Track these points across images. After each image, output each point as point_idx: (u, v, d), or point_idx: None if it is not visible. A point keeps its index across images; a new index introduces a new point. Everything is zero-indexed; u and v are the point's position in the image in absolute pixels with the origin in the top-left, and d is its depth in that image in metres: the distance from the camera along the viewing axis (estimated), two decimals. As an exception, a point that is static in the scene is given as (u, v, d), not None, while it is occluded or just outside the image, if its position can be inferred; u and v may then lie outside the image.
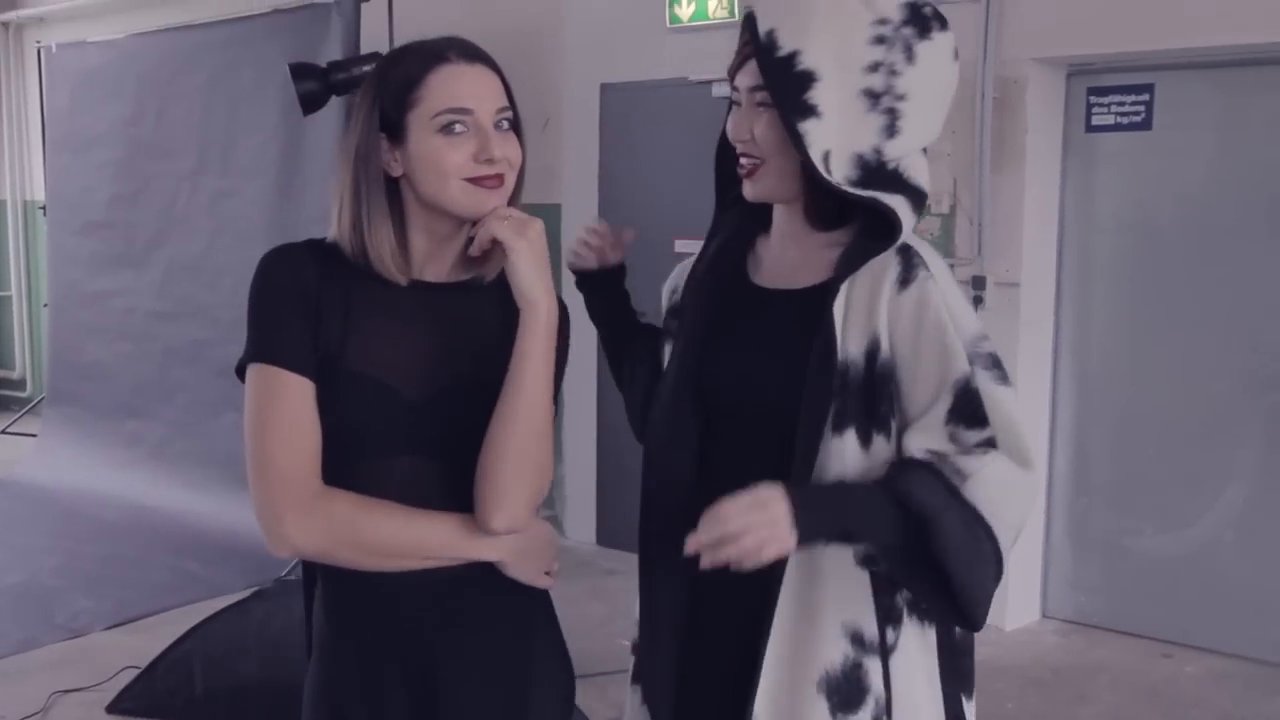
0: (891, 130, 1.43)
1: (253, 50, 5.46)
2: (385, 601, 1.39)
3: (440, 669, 1.40)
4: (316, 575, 1.45)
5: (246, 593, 3.62)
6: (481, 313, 1.42)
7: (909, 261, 1.44)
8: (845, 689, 1.42)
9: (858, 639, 1.43)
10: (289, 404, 1.33)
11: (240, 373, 1.39)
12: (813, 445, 1.41)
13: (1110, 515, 4.19)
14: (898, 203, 1.44)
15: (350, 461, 1.36)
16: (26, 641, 3.96)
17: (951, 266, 1.53)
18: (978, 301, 4.00)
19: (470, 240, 1.39)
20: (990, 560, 1.38)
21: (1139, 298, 4.11)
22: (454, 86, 1.35)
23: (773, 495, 1.32)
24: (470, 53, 1.38)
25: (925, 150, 1.50)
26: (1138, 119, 4.00)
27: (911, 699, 1.46)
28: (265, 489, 1.33)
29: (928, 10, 1.46)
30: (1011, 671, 3.78)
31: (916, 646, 1.47)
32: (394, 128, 1.36)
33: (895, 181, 1.45)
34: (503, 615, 1.43)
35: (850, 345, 1.42)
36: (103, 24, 6.67)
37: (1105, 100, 4.05)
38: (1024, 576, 4.21)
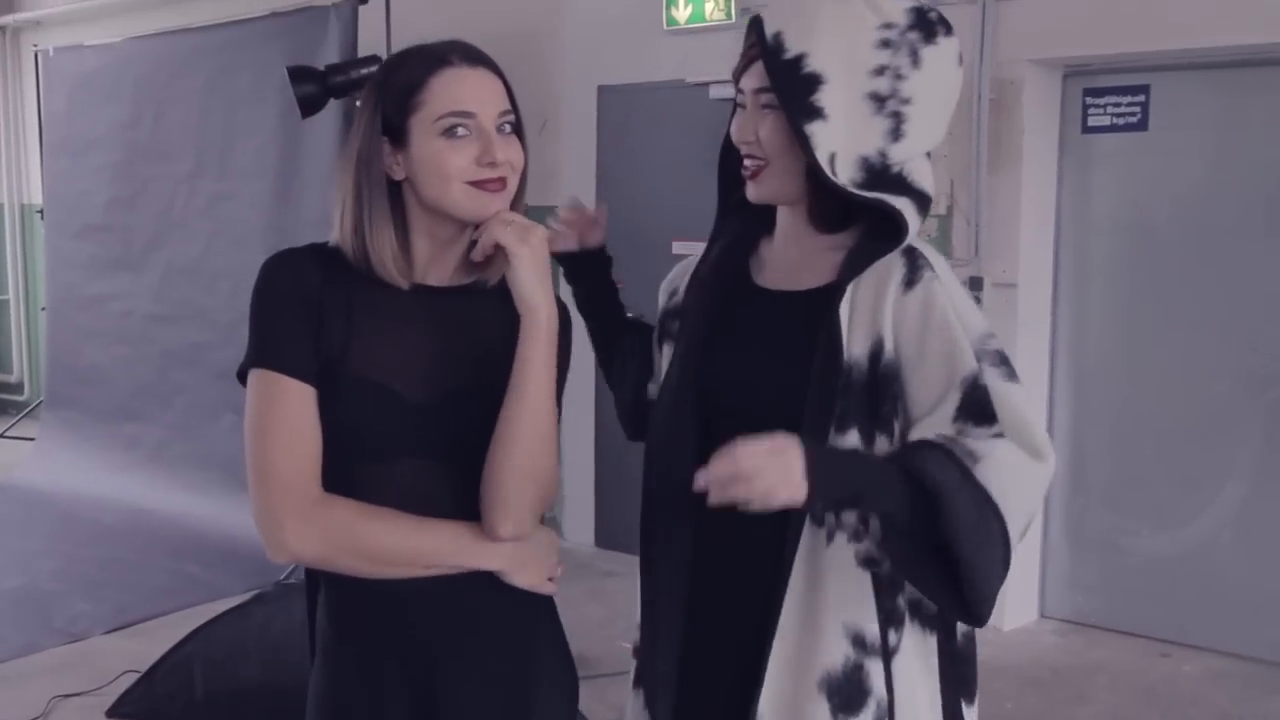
0: (896, 134, 1.44)
1: (250, 53, 5.46)
2: (388, 606, 1.38)
3: (443, 674, 1.40)
4: (319, 579, 1.45)
5: (246, 596, 3.62)
6: (483, 316, 1.42)
7: (914, 263, 1.45)
8: (846, 690, 1.43)
9: (859, 640, 1.43)
10: (289, 410, 1.33)
11: (241, 377, 1.39)
12: (818, 443, 1.41)
13: (1108, 515, 4.19)
14: (903, 205, 1.44)
15: (353, 465, 1.36)
16: (26, 646, 3.95)
17: (941, 256, 1.54)
18: (975, 302, 4.01)
19: (473, 244, 1.39)
20: (999, 545, 1.36)
21: (1136, 298, 4.12)
22: (456, 90, 1.35)
23: (789, 444, 1.31)
24: (472, 56, 1.38)
25: (929, 155, 1.50)
26: (1134, 120, 4.01)
27: (913, 703, 1.46)
28: (265, 495, 1.33)
29: (933, 15, 1.46)
30: (1010, 671, 3.78)
31: (918, 651, 1.47)
32: (396, 131, 1.36)
33: (900, 185, 1.46)
34: (505, 619, 1.43)
35: (854, 346, 1.43)
36: (100, 27, 6.66)
37: (1101, 101, 4.06)
38: (1022, 576, 4.21)
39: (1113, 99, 4.04)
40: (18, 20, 7.47)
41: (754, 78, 1.48)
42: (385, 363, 1.37)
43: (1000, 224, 4.05)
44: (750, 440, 1.30)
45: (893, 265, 1.44)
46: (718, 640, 1.52)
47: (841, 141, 1.43)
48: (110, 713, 3.38)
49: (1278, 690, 3.70)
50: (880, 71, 1.43)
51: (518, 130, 1.40)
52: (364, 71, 4.09)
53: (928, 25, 1.45)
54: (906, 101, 1.43)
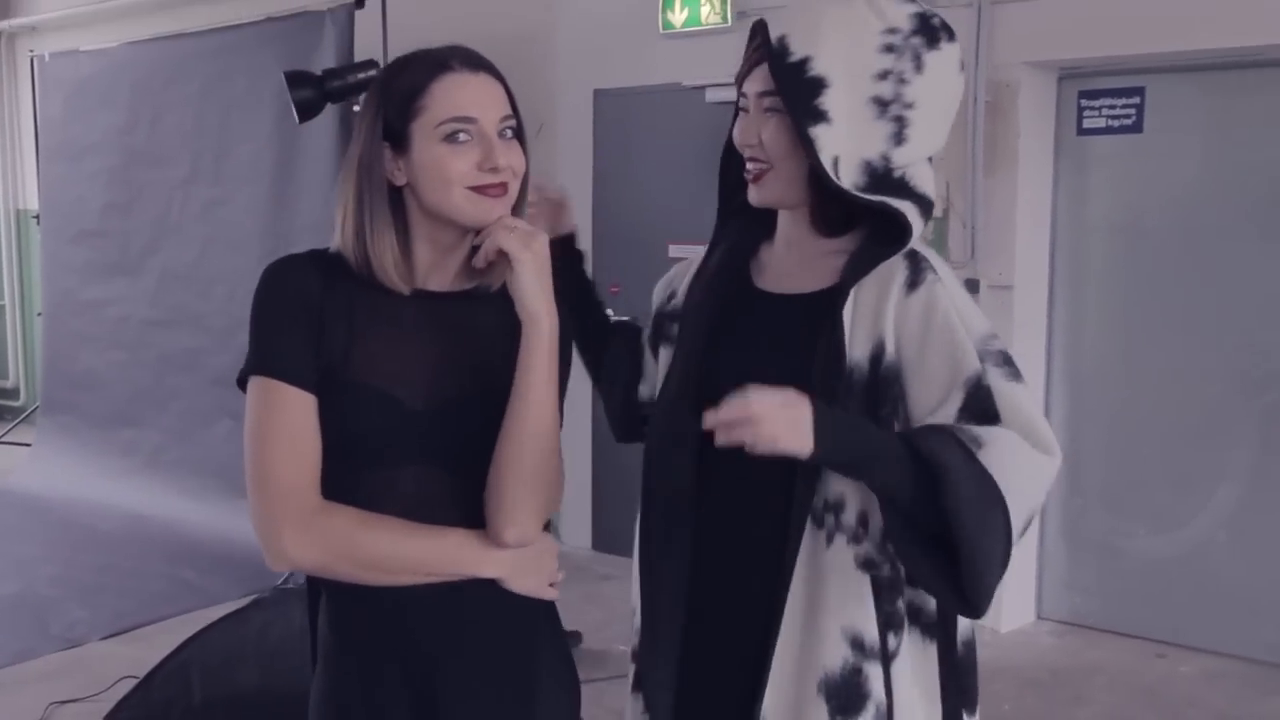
0: (899, 138, 1.45)
1: (246, 58, 5.47)
2: (389, 613, 1.38)
3: (445, 681, 1.39)
4: (320, 587, 1.45)
5: (243, 601, 3.62)
6: (484, 321, 1.42)
7: (916, 266, 1.45)
8: (844, 693, 1.43)
9: (857, 643, 1.43)
10: (289, 418, 1.33)
11: (241, 384, 1.38)
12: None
13: (1104, 516, 4.20)
14: (906, 208, 1.45)
15: (355, 472, 1.36)
16: (23, 652, 3.94)
17: (943, 260, 1.54)
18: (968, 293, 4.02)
19: (475, 250, 1.39)
20: (1000, 531, 1.35)
21: (1131, 299, 4.13)
22: (458, 95, 1.35)
23: (801, 399, 1.32)
24: (474, 61, 1.38)
25: (930, 160, 1.51)
26: (1129, 122, 4.02)
27: (912, 709, 1.46)
28: (264, 503, 1.33)
29: (936, 21, 1.47)
30: (1008, 673, 3.79)
31: (918, 658, 1.47)
32: (397, 137, 1.36)
33: (902, 189, 1.46)
34: (507, 627, 1.42)
35: (855, 348, 1.43)
36: (95, 33, 6.66)
37: (1096, 104, 4.07)
38: (1019, 578, 4.22)
39: (1108, 101, 4.05)
40: (13, 26, 7.47)
41: (757, 81, 1.48)
42: (386, 369, 1.37)
43: (996, 226, 4.06)
44: (763, 388, 1.31)
45: (895, 268, 1.45)
46: (718, 643, 1.52)
47: (845, 145, 1.43)
48: (108, 719, 3.37)
49: (1274, 691, 3.71)
50: (884, 76, 1.43)
51: (519, 135, 1.40)
52: (360, 76, 4.10)
53: (931, 31, 1.46)
54: (909, 106, 1.44)
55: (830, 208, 1.49)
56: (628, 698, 1.63)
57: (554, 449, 1.39)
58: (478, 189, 1.35)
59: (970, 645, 1.51)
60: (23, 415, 7.32)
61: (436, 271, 1.41)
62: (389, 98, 1.37)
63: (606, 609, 4.13)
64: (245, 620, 3.37)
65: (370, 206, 1.36)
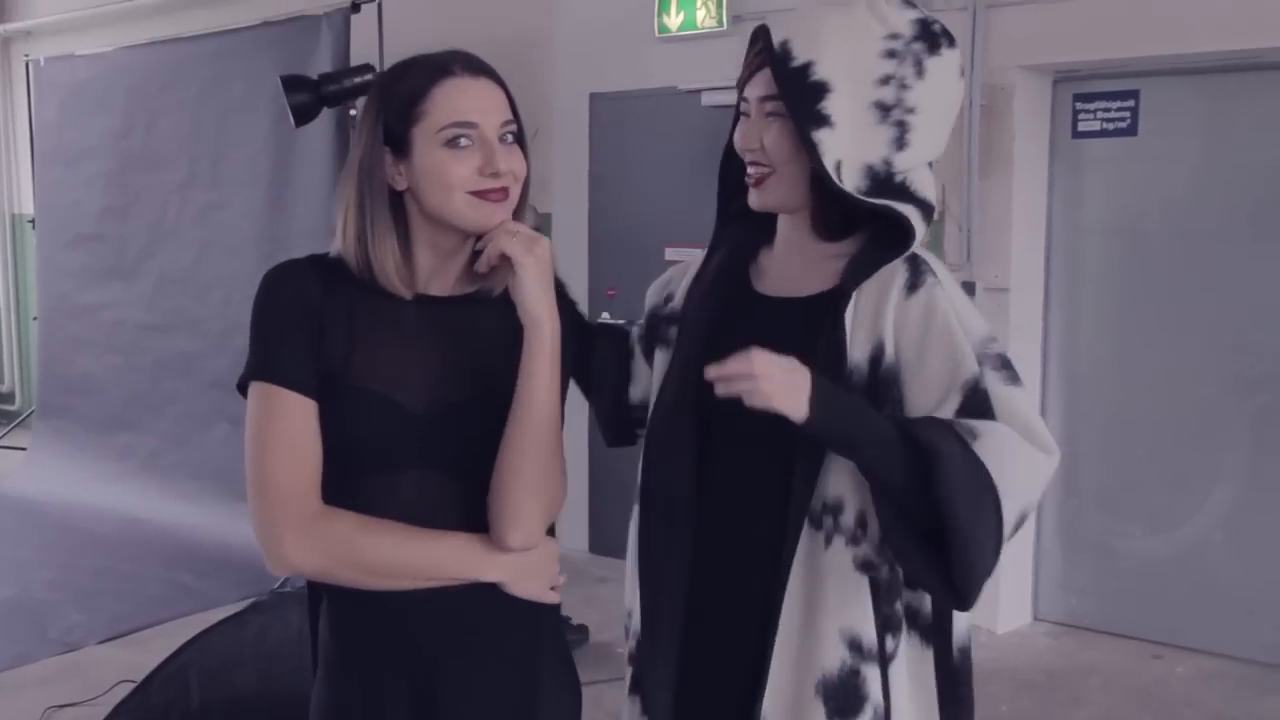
0: (901, 142, 1.45)
1: (242, 62, 5.47)
2: (390, 618, 1.38)
3: (446, 685, 1.39)
4: (321, 591, 1.44)
5: (240, 605, 3.61)
6: (485, 326, 1.42)
7: (916, 268, 1.46)
8: (842, 695, 1.43)
9: (855, 645, 1.43)
10: (289, 423, 1.33)
11: (242, 389, 1.38)
12: (817, 450, 1.43)
13: (1100, 517, 4.21)
14: (909, 212, 1.46)
15: (356, 476, 1.36)
16: (20, 656, 3.94)
17: (943, 264, 1.55)
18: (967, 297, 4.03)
19: (476, 255, 1.39)
20: (991, 522, 1.35)
21: (1126, 301, 4.14)
22: (459, 100, 1.35)
23: (803, 368, 1.35)
24: (474, 66, 1.38)
25: (930, 165, 1.52)
26: (1123, 125, 4.03)
27: (909, 712, 1.46)
28: (265, 508, 1.33)
29: (937, 27, 1.48)
30: (1005, 674, 3.80)
31: (915, 661, 1.48)
32: (398, 141, 1.36)
33: (903, 193, 1.47)
34: (508, 630, 1.42)
35: (855, 350, 1.44)
36: (91, 37, 6.66)
37: (1091, 107, 4.09)
38: (1015, 579, 4.23)
39: (1102, 104, 4.06)
40: (8, 30, 7.47)
41: (759, 86, 1.49)
42: (387, 373, 1.37)
43: (992, 229, 4.07)
44: (768, 351, 1.34)
45: (895, 271, 1.45)
46: (717, 645, 1.52)
47: (847, 149, 1.44)
48: (106, 722, 3.37)
49: (1270, 691, 3.72)
50: (886, 81, 1.44)
51: (520, 140, 1.40)
52: (357, 80, 4.10)
53: (932, 37, 1.47)
54: (911, 111, 1.45)
55: (831, 212, 1.50)
56: (624, 700, 1.62)
57: (557, 453, 1.39)
58: (479, 194, 1.35)
59: (965, 652, 1.51)
60: (18, 419, 7.31)
61: (437, 276, 1.41)
62: (389, 102, 1.36)
63: (604, 611, 4.13)
64: (243, 624, 3.37)
65: (371, 211, 1.36)
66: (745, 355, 1.33)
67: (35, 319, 6.98)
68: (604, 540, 4.97)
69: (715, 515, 1.53)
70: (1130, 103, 4.01)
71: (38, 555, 5.03)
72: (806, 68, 1.43)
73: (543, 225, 3.90)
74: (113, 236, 6.22)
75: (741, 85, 1.53)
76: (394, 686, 1.39)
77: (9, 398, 7.82)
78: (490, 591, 1.39)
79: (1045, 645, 4.12)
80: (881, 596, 1.44)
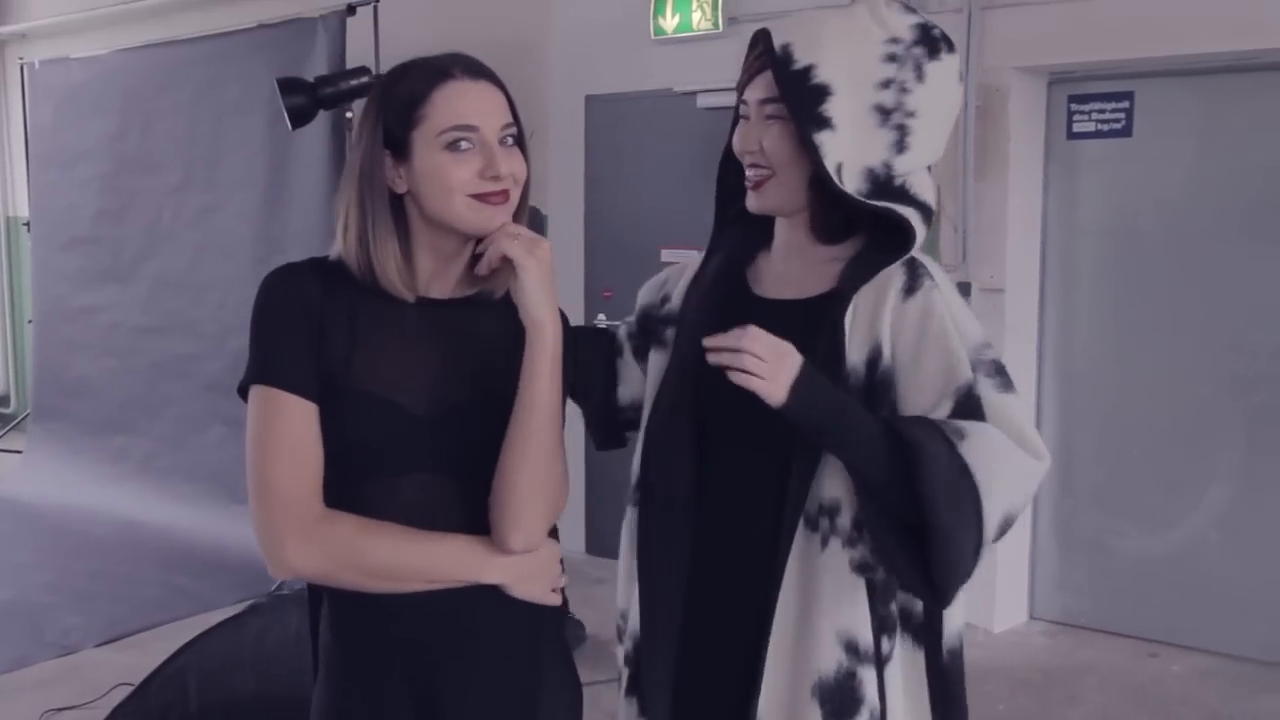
0: (901, 146, 1.46)
1: (238, 65, 5.47)
2: (392, 620, 1.38)
3: (448, 687, 1.39)
4: (322, 593, 1.44)
5: (237, 607, 3.61)
6: (486, 328, 1.42)
7: (914, 272, 1.47)
8: (838, 697, 1.43)
9: (852, 647, 1.44)
10: (290, 426, 1.33)
11: (242, 393, 1.38)
12: (814, 452, 1.44)
13: (1096, 517, 4.23)
14: (910, 215, 1.47)
15: (358, 479, 1.36)
16: (17, 660, 3.93)
17: (940, 268, 1.56)
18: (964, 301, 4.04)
19: (477, 257, 1.39)
20: (973, 523, 1.36)
21: (1121, 302, 4.16)
22: (459, 104, 1.35)
23: (794, 354, 1.37)
24: (475, 69, 1.38)
25: (930, 169, 1.53)
26: (1118, 126, 4.05)
27: (904, 715, 1.47)
28: (266, 512, 1.33)
29: (936, 32, 1.49)
30: (1001, 673, 3.81)
31: (908, 662, 1.48)
32: (398, 144, 1.36)
33: (902, 196, 1.48)
34: (509, 632, 1.42)
35: (852, 353, 1.45)
36: (86, 40, 6.65)
37: (1086, 108, 4.10)
38: (1011, 578, 4.24)
39: (1097, 105, 4.08)
40: (3, 33, 7.45)
41: (759, 89, 1.49)
42: (388, 376, 1.37)
43: (987, 230, 4.08)
44: (765, 332, 1.36)
45: (893, 274, 1.46)
46: (714, 646, 1.53)
47: (848, 152, 1.45)
48: (105, 725, 3.37)
49: (1265, 689, 3.73)
50: (886, 85, 1.45)
51: (520, 142, 1.40)
52: (353, 83, 4.11)
53: (932, 41, 1.48)
54: (911, 115, 1.46)
55: (830, 214, 1.51)
56: (621, 701, 1.63)
57: (558, 455, 1.39)
58: (479, 197, 1.35)
59: (956, 652, 1.51)
60: (14, 422, 7.30)
61: (438, 279, 1.42)
62: (389, 105, 1.36)
63: (601, 611, 4.14)
64: (242, 626, 3.37)
65: (373, 214, 1.36)
66: (742, 330, 1.36)
67: (30, 322, 6.97)
68: (601, 541, 4.97)
69: (713, 516, 1.53)
70: (1125, 104, 4.02)
71: (34, 558, 5.03)
72: (808, 70, 1.44)
73: (541, 225, 3.90)
74: (108, 239, 6.21)
75: (741, 88, 1.53)
76: (396, 689, 1.39)
77: (4, 401, 7.81)
78: (492, 593, 1.39)
79: (1041, 644, 4.13)
80: (877, 598, 1.45)
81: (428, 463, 1.37)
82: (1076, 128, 4.13)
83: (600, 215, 4.93)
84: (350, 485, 1.36)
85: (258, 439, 1.34)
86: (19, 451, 6.65)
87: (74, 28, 6.89)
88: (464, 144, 1.34)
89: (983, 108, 4.01)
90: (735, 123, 1.55)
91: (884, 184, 1.47)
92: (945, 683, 1.49)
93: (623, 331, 1.70)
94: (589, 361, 1.68)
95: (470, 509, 1.37)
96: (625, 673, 1.62)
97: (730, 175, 1.60)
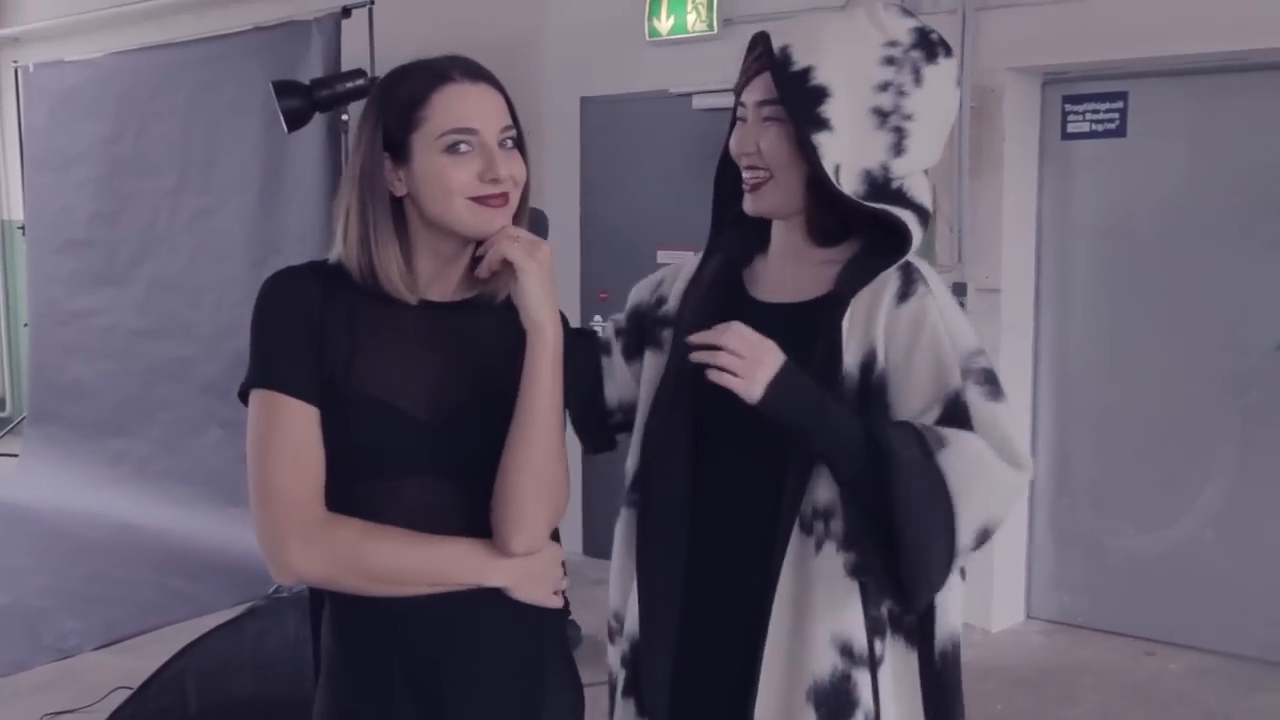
0: (898, 148, 1.47)
1: (233, 68, 5.47)
2: (394, 623, 1.37)
3: (450, 690, 1.39)
4: (324, 596, 1.44)
5: (234, 610, 3.61)
6: (486, 331, 1.42)
7: (909, 277, 1.48)
8: (833, 701, 1.44)
9: (847, 650, 1.44)
10: (291, 430, 1.33)
11: (243, 397, 1.37)
12: (810, 456, 1.44)
13: (1092, 516, 4.24)
14: (907, 218, 1.47)
15: (359, 483, 1.35)
16: (15, 664, 3.93)
17: (936, 272, 1.56)
18: (964, 315, 4.04)
19: (477, 260, 1.39)
20: (942, 533, 1.37)
21: (1117, 301, 4.17)
22: (458, 106, 1.34)
23: (775, 352, 1.38)
24: (474, 72, 1.38)
25: (926, 172, 1.53)
26: (1112, 126, 4.06)
27: (896, 716, 1.47)
28: (268, 516, 1.32)
29: (934, 36, 1.50)
30: (999, 672, 3.82)
31: (900, 664, 1.48)
32: (398, 147, 1.35)
33: (900, 199, 1.48)
34: (511, 635, 1.42)
35: (847, 357, 1.45)
36: (80, 43, 6.64)
37: (1080, 108, 4.11)
38: (1008, 578, 4.25)
39: (1091, 106, 4.09)
40: (-3, 36, 7.45)
41: (757, 90, 1.50)
42: (389, 379, 1.36)
43: (982, 230, 4.09)
44: (749, 330, 1.38)
45: (888, 278, 1.47)
46: (711, 647, 1.53)
47: (846, 154, 1.45)
48: (104, 728, 3.37)
49: (1262, 686, 3.74)
50: (884, 87, 1.46)
51: (520, 145, 1.40)
52: (349, 85, 4.12)
53: (930, 45, 1.48)
54: (909, 118, 1.47)
55: (826, 217, 1.51)
56: (618, 702, 1.63)
57: (560, 457, 1.39)
58: (479, 199, 1.35)
59: (949, 656, 1.51)
60: (10, 426, 7.29)
61: (438, 282, 1.41)
62: (389, 108, 1.36)
63: (598, 613, 4.11)
64: (240, 629, 3.37)
65: (374, 217, 1.35)
66: (725, 326, 1.38)
67: (26, 325, 6.96)
68: (598, 542, 4.98)
69: (710, 518, 1.54)
70: (1119, 104, 4.04)
71: (31, 562, 5.02)
72: (806, 72, 1.45)
73: (544, 227, 3.88)
74: (103, 242, 6.21)
75: (739, 90, 1.54)
76: (399, 692, 1.39)
77: (0, 404, 7.80)
78: (494, 596, 1.39)
79: (1038, 643, 4.14)
80: (870, 600, 1.45)
81: (428, 466, 1.37)
82: (1071, 128, 4.14)
83: (596, 217, 4.94)
84: (351, 489, 1.35)
85: (259, 443, 1.33)
86: (15, 455, 6.64)
87: (68, 31, 6.89)
88: (463, 147, 1.34)
89: (977, 108, 4.03)
90: (733, 125, 1.56)
91: (881, 186, 1.47)
92: (939, 684, 1.49)
93: (609, 329, 1.70)
94: (574, 365, 1.69)
95: (472, 512, 1.37)
96: (622, 674, 1.62)
97: (728, 178, 1.60)
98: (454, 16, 4.89)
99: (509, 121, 1.38)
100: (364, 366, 1.36)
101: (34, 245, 6.66)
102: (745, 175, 1.53)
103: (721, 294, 1.59)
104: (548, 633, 1.48)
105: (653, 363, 1.61)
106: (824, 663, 1.43)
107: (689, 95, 4.51)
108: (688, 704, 1.54)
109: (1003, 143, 4.05)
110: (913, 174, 1.50)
